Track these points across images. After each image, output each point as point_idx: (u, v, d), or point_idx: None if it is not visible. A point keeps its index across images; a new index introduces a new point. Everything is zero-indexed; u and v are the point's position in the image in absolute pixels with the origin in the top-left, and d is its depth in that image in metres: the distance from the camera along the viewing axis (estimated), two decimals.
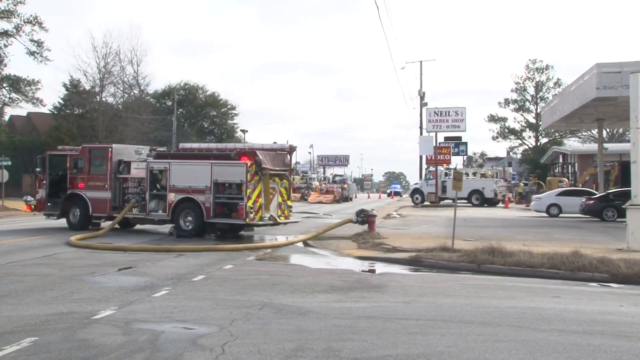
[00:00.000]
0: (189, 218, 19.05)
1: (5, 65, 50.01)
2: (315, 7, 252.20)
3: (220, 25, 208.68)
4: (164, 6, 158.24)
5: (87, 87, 57.87)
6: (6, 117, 61.81)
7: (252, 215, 18.27)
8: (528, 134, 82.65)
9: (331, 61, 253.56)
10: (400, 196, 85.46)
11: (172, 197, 19.27)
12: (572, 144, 72.28)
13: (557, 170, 60.78)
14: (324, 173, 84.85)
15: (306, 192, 57.00)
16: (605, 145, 39.81)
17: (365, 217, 19.54)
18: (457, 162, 71.24)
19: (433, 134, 48.60)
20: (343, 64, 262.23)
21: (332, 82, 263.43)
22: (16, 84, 51.51)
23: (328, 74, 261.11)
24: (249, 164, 18.30)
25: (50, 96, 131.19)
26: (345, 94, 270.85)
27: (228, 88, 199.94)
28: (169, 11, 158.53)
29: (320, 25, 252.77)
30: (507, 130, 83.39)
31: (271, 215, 19.21)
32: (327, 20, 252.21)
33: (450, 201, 43.45)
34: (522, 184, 55.50)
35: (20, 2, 47.48)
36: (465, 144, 59.38)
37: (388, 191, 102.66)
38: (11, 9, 47.41)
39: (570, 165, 55.53)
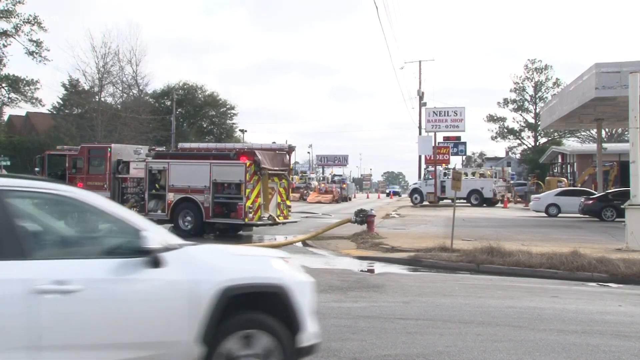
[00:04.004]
0: (188, 218, 19.05)
1: (4, 65, 50.18)
2: (314, 6, 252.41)
3: (218, 25, 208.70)
4: (162, 6, 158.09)
5: (86, 87, 57.98)
6: (5, 117, 61.86)
7: (251, 215, 18.27)
8: (527, 133, 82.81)
9: (330, 61, 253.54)
10: (399, 196, 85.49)
11: (171, 197, 19.28)
12: (571, 143, 72.35)
13: (556, 170, 60.79)
14: (323, 173, 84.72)
15: (305, 192, 56.95)
16: (604, 145, 39.82)
17: (364, 217, 19.54)
18: (456, 162, 71.15)
19: (432, 134, 48.54)
20: (342, 64, 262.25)
21: (331, 81, 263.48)
22: (15, 84, 51.55)
23: (327, 74, 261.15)
24: (247, 163, 18.31)
25: (49, 96, 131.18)
26: (344, 93, 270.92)
27: (227, 88, 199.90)
28: (168, 11, 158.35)
29: (319, 25, 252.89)
30: (506, 130, 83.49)
31: (270, 215, 19.21)
32: (325, 20, 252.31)
33: (449, 201, 43.45)
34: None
35: (20, 2, 47.59)
36: (464, 143, 59.23)
37: (387, 191, 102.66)
38: (10, 9, 47.50)
39: (569, 165, 55.53)
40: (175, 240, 4.80)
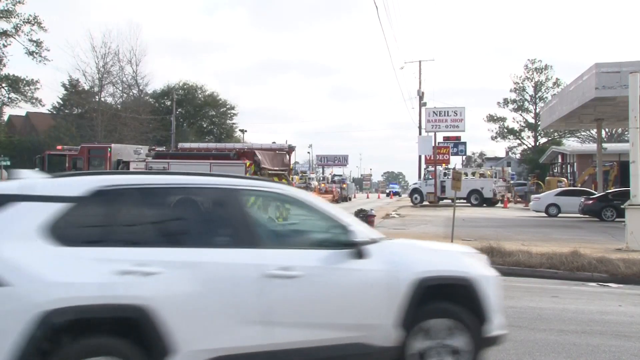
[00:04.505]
0: None
1: (5, 65, 50.17)
2: (314, 6, 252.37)
3: (218, 25, 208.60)
4: (162, 6, 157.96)
5: (86, 87, 58.01)
6: (5, 117, 61.86)
7: None
8: (527, 133, 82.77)
9: (330, 61, 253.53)
10: (399, 196, 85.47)
11: None
12: (571, 143, 72.30)
13: (556, 170, 60.79)
14: (323, 173, 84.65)
15: None
16: (604, 145, 39.83)
17: (364, 217, 19.49)
18: (456, 162, 71.19)
19: (432, 134, 48.50)
20: (342, 64, 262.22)
21: (330, 81, 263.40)
22: (15, 84, 51.55)
23: (326, 74, 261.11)
24: (247, 163, 18.31)
25: (49, 96, 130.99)
26: (344, 93, 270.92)
27: (227, 88, 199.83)
28: (168, 11, 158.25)
29: (319, 25, 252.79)
30: (506, 130, 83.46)
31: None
32: (325, 20, 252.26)
33: (449, 201, 43.45)
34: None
35: (20, 2, 47.58)
36: (464, 143, 59.20)
37: (387, 191, 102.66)
38: (10, 9, 47.50)
39: (569, 165, 55.54)
40: (376, 234, 5.32)
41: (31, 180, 4.58)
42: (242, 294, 4.55)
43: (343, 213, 5.38)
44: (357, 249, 4.92)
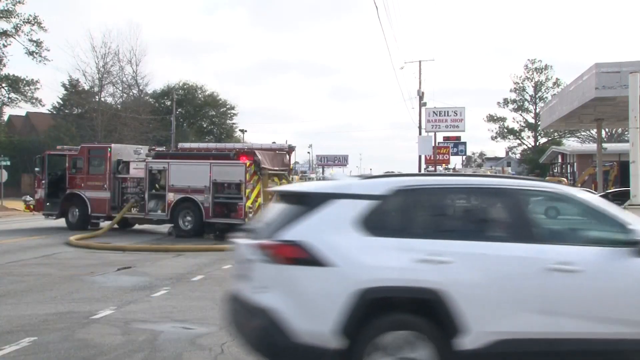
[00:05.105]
0: (188, 218, 19.06)
1: (4, 65, 50.08)
2: (313, 7, 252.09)
3: (218, 25, 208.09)
4: (162, 6, 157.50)
5: (86, 87, 57.92)
6: (5, 117, 61.75)
7: (251, 215, 18.28)
8: (527, 133, 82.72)
9: (329, 61, 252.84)
10: None
11: (171, 197, 19.28)
12: (571, 143, 72.27)
13: (556, 170, 60.80)
14: (323, 173, 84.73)
15: None
16: (604, 145, 39.82)
17: None
18: (456, 162, 71.08)
19: (432, 134, 48.51)
20: (342, 64, 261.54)
21: (330, 81, 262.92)
22: (15, 84, 51.47)
23: (326, 74, 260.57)
24: (247, 163, 18.32)
25: (49, 96, 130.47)
26: (344, 93, 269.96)
27: (227, 88, 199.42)
28: (168, 11, 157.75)
29: (319, 25, 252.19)
30: (506, 130, 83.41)
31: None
32: (325, 20, 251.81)
33: None
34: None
35: (19, 2, 47.54)
36: (465, 143, 59.09)
37: None
38: (10, 9, 47.47)
39: (569, 165, 55.54)
40: None
41: (347, 181, 5.52)
42: (523, 284, 4.87)
43: (622, 212, 5.47)
44: (639, 248, 5.00)
